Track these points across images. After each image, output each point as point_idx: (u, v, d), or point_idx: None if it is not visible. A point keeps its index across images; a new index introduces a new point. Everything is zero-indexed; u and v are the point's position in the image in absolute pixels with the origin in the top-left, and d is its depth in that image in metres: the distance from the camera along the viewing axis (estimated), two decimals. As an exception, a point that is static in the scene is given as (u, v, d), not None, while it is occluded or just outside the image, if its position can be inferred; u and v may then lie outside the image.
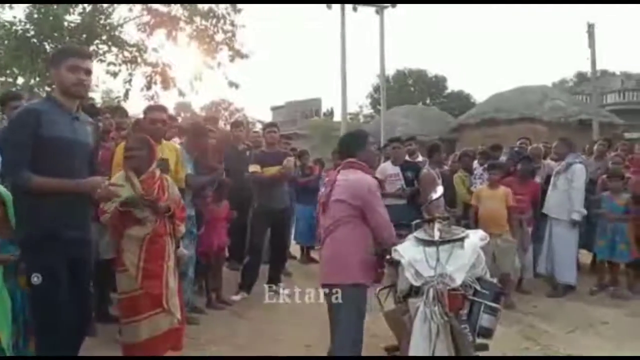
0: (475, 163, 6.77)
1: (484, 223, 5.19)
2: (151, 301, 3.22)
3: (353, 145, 3.17)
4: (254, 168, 5.21)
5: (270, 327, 4.38)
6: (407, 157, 6.24)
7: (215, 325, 4.50)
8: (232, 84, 9.93)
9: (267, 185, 5.26)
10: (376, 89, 31.76)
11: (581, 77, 33.75)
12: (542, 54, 75.26)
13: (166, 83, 9.64)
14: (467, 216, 5.98)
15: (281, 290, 5.26)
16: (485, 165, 6.58)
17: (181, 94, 9.90)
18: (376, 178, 3.55)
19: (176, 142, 4.90)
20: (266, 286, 5.24)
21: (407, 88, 37.30)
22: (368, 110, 37.80)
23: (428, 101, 35.69)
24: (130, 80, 9.55)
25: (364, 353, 3.56)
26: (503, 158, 6.89)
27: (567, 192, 5.54)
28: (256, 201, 5.37)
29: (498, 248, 5.12)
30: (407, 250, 2.80)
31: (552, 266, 5.66)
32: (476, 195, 5.56)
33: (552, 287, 5.73)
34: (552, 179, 5.79)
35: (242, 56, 9.68)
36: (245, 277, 5.27)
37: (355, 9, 16.76)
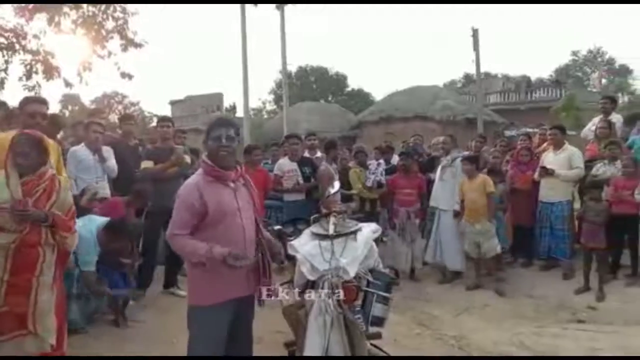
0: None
1: (467, 212, 5.72)
2: (16, 320, 2.82)
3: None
4: (146, 164, 4.93)
5: (165, 331, 4.19)
6: (306, 153, 6.33)
7: (105, 331, 4.22)
8: (124, 75, 9.35)
9: (162, 182, 4.99)
10: (279, 85, 31.80)
11: (468, 78, 36.44)
12: (434, 55, 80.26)
13: (49, 73, 8.81)
14: (364, 210, 6.21)
15: (178, 292, 5.06)
16: (381, 161, 6.91)
17: (68, 84, 9.11)
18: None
19: None
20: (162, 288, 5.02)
21: (309, 85, 37.82)
22: (271, 107, 37.79)
23: (330, 98, 36.44)
24: (6, 69, 8.61)
25: (267, 349, 3.57)
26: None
27: (453, 184, 5.96)
28: (150, 200, 5.08)
29: (480, 234, 5.63)
30: (303, 245, 2.81)
31: (441, 255, 6.04)
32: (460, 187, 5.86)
33: (442, 275, 6.13)
34: (438, 172, 6.19)
35: (136, 45, 9.13)
36: (138, 280, 4.99)
37: (255, 5, 16.63)
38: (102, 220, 4.20)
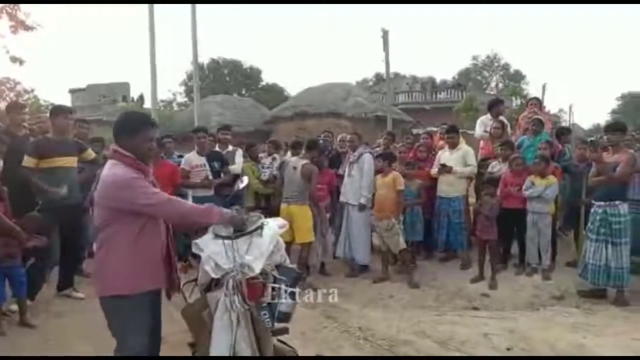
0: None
1: (375, 208, 5.89)
2: None
3: (119, 129, 2.63)
4: (28, 162, 4.51)
5: (60, 336, 3.92)
6: (217, 147, 6.22)
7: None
8: (15, 60, 8.59)
9: (56, 176, 4.60)
10: (190, 77, 30.80)
11: (379, 77, 37.65)
12: (347, 53, 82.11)
13: None
14: (260, 206, 6.24)
15: (74, 295, 4.74)
16: (275, 155, 7.06)
17: (-55, 68, 8.18)
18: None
19: None
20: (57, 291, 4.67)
21: (223, 78, 37.06)
22: (182, 99, 36.51)
23: (244, 92, 35.95)
24: None
25: (172, 349, 3.45)
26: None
27: (360, 179, 6.13)
28: (42, 197, 4.65)
29: (385, 230, 5.77)
30: (207, 243, 2.73)
31: (350, 249, 6.20)
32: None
33: (350, 268, 6.29)
34: (346, 168, 6.35)
35: (27, 28, 8.41)
36: (28, 282, 4.58)
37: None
38: None
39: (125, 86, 31.15)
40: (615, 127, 5.19)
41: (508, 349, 3.83)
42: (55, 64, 65.72)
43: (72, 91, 30.93)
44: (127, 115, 2.76)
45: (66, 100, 28.25)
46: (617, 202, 4.93)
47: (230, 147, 6.47)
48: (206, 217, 2.63)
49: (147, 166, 2.63)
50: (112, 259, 2.54)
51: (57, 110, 4.87)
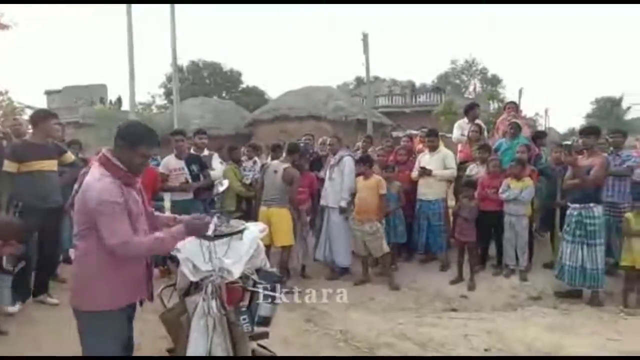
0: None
1: (356, 210, 5.89)
2: None
3: (121, 136, 2.49)
4: (9, 167, 4.39)
5: (30, 342, 3.82)
6: (192, 150, 6.16)
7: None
8: (-13, 61, 8.38)
9: (37, 180, 4.49)
10: (169, 79, 30.57)
11: (359, 81, 37.81)
12: (328, 57, 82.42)
13: None
14: (241, 208, 6.17)
15: (49, 301, 4.63)
16: (256, 159, 7.04)
17: None
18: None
19: None
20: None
21: (202, 80, 36.80)
22: (162, 101, 36.15)
23: (224, 94, 35.73)
24: None
25: (149, 354, 3.40)
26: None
27: (340, 182, 6.14)
28: (20, 199, 4.52)
29: (368, 234, 5.78)
30: (185, 245, 2.70)
31: (330, 252, 6.20)
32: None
33: (331, 271, 6.29)
34: (327, 171, 6.35)
35: (2, 27, 8.24)
36: (15, 287, 4.45)
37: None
38: None
39: (102, 88, 30.71)
40: (589, 131, 5.30)
41: (486, 350, 3.88)
42: (30, 65, 64.40)
43: (48, 93, 30.34)
44: (133, 126, 2.62)
45: (42, 102, 27.71)
46: (591, 205, 5.03)
47: (206, 152, 6.40)
48: (170, 243, 2.49)
49: (135, 177, 2.53)
50: (94, 275, 2.42)
51: (46, 114, 4.71)
